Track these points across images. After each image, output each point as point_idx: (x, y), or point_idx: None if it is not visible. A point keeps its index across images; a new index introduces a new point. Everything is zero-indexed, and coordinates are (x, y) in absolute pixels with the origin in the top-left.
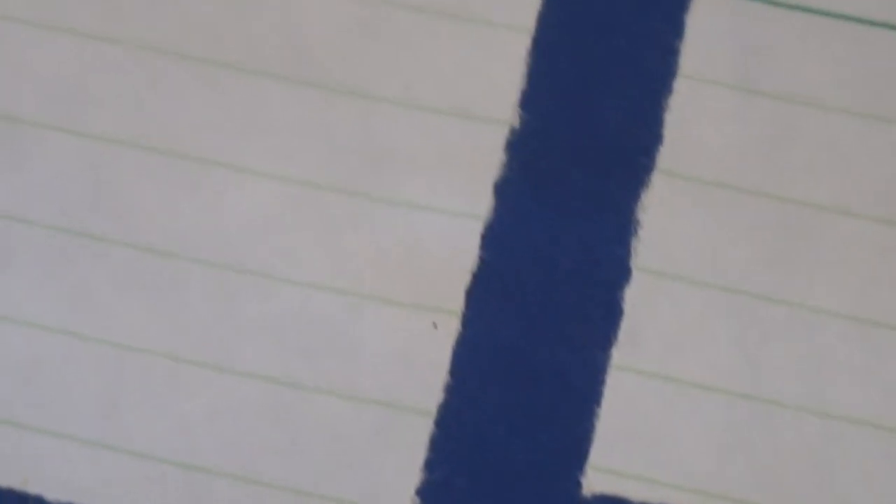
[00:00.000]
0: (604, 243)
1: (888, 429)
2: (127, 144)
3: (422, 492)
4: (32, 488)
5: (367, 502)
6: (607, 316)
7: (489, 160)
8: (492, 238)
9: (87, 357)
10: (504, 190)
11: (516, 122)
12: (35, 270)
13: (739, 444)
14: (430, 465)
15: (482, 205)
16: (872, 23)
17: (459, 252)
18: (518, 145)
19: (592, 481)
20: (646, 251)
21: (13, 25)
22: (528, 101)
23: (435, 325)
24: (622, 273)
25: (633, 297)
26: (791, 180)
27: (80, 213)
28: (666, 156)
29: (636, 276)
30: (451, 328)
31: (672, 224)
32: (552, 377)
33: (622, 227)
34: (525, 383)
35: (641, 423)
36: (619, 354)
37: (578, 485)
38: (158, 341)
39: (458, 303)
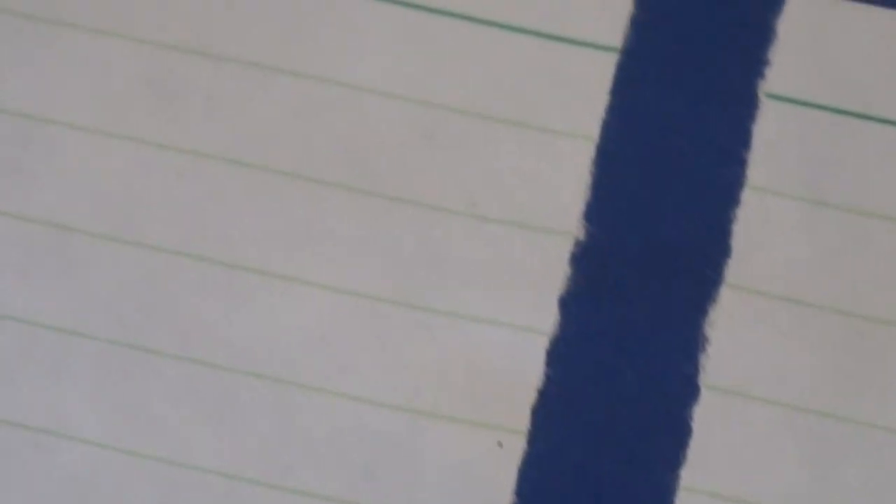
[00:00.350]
0: (671, 360)
1: None
2: (182, 255)
3: None
4: None
5: None
6: (676, 435)
7: (554, 273)
8: (557, 354)
9: (141, 473)
10: (569, 304)
11: (581, 234)
12: (89, 384)
13: None
14: None
15: (547, 319)
16: None
17: (524, 368)
18: (583, 258)
19: None
20: (714, 368)
21: (68, 132)
22: (593, 212)
23: (500, 444)
24: (690, 391)
25: (702, 415)
26: (861, 295)
27: (135, 325)
28: (734, 269)
29: (705, 393)
30: (516, 447)
31: (740, 340)
32: (620, 497)
33: (690, 343)
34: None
35: None
36: (688, 475)
37: None
38: (214, 458)
39: (523, 421)
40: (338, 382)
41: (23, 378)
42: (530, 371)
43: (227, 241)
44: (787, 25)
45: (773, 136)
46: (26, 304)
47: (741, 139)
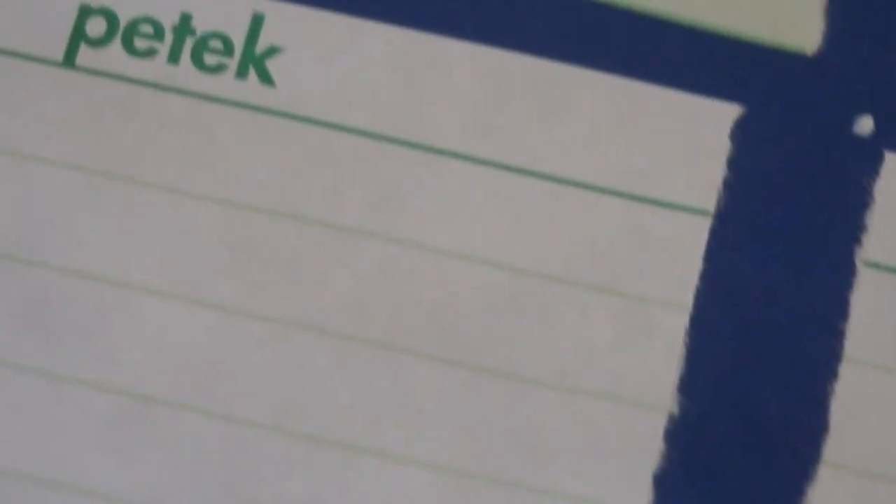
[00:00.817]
0: None
1: None
2: (266, 428)
3: None
4: None
5: None
6: None
7: (647, 450)
8: None
9: None
10: (663, 481)
11: (675, 409)
12: None
13: None
14: None
15: (641, 498)
16: None
17: None
18: (677, 433)
19: None
20: None
21: (146, 297)
22: (687, 385)
23: None
24: None
25: None
26: None
27: (218, 501)
28: (832, 446)
29: None
30: None
31: None
32: None
33: None
34: None
35: None
36: None
37: None
38: None
39: None
40: None
41: None
42: None
43: (310, 414)
44: (885, 190)
45: (871, 306)
46: (105, 478)
47: (839, 309)
